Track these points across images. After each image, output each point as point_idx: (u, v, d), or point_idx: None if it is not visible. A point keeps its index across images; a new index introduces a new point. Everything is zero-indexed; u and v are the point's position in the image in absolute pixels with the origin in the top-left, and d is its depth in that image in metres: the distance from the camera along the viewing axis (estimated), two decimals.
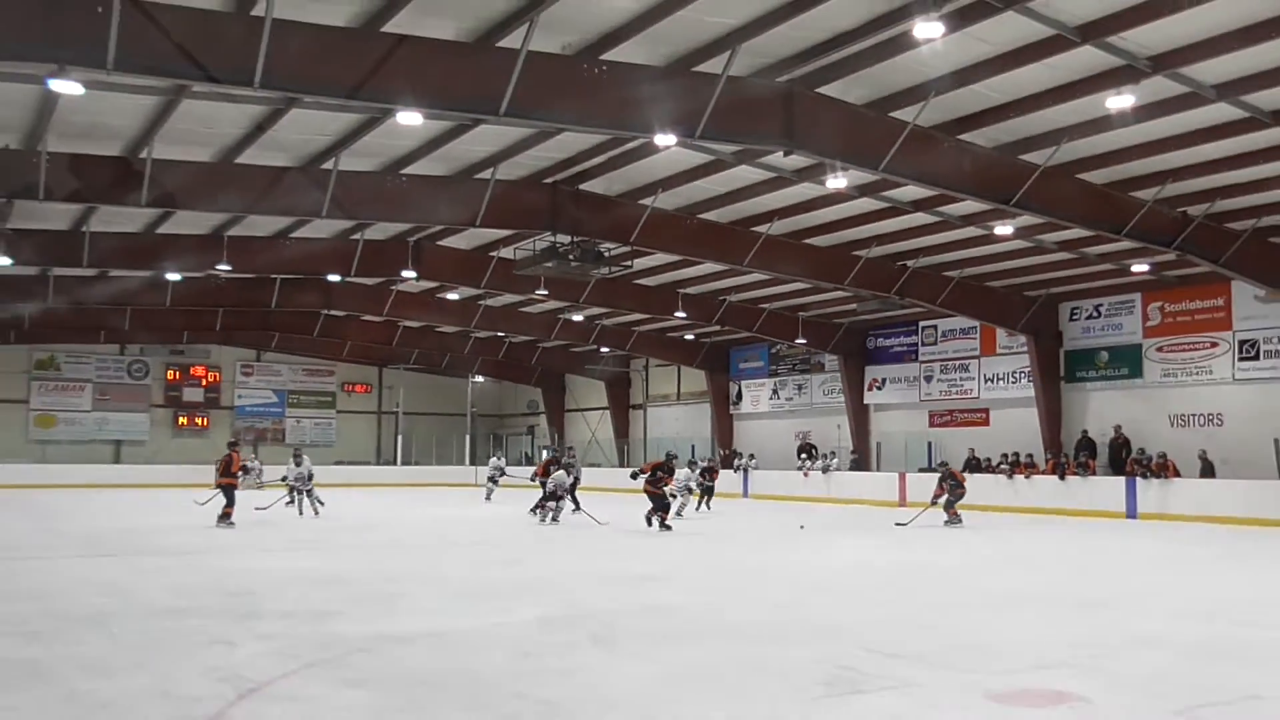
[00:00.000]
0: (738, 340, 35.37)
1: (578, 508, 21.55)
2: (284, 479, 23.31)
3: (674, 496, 20.51)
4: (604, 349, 37.93)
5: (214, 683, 6.34)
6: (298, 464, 22.44)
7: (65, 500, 23.80)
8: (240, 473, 19.68)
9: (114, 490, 32.83)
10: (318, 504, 21.77)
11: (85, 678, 6.49)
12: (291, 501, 22.61)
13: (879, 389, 31.62)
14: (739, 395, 36.88)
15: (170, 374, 42.89)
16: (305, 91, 12.03)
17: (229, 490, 18.32)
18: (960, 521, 19.83)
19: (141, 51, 10.75)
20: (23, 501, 25.60)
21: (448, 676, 6.56)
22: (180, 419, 42.94)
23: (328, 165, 17.46)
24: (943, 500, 20.10)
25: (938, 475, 21.01)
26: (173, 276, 27.16)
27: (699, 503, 24.20)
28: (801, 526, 19.51)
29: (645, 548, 15.39)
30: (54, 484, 33.66)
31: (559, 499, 20.05)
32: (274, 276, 28.32)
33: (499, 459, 31.78)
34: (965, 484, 20.60)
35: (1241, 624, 8.70)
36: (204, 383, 43.62)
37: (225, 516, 18.01)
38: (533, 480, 22.80)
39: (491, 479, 30.03)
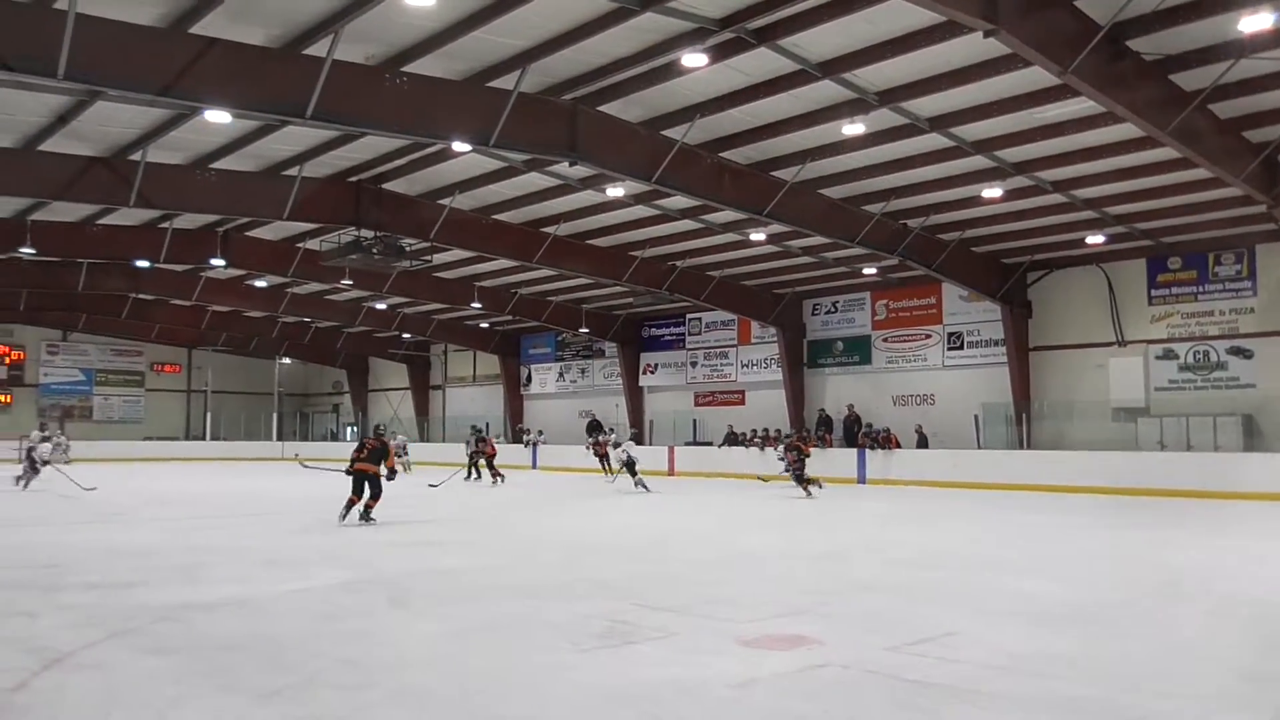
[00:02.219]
0: (528, 329, 35.24)
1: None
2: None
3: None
4: (405, 335, 36.99)
5: (17, 654, 5.85)
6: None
7: None
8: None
9: None
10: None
11: None
12: None
13: (652, 373, 32.22)
14: (529, 378, 36.79)
15: None
16: (112, 86, 11.16)
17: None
18: (818, 488, 18.57)
19: None
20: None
21: (251, 641, 6.27)
22: None
23: (135, 157, 16.24)
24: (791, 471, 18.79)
25: (783, 446, 20.13)
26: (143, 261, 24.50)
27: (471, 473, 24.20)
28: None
29: (439, 517, 15.17)
30: None
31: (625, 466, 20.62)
32: (81, 261, 26.09)
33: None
34: (807, 453, 19.05)
35: (942, 569, 9.38)
36: (6, 360, 39.82)
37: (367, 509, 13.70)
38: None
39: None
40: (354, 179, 18.53)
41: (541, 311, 30.37)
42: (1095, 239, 20.55)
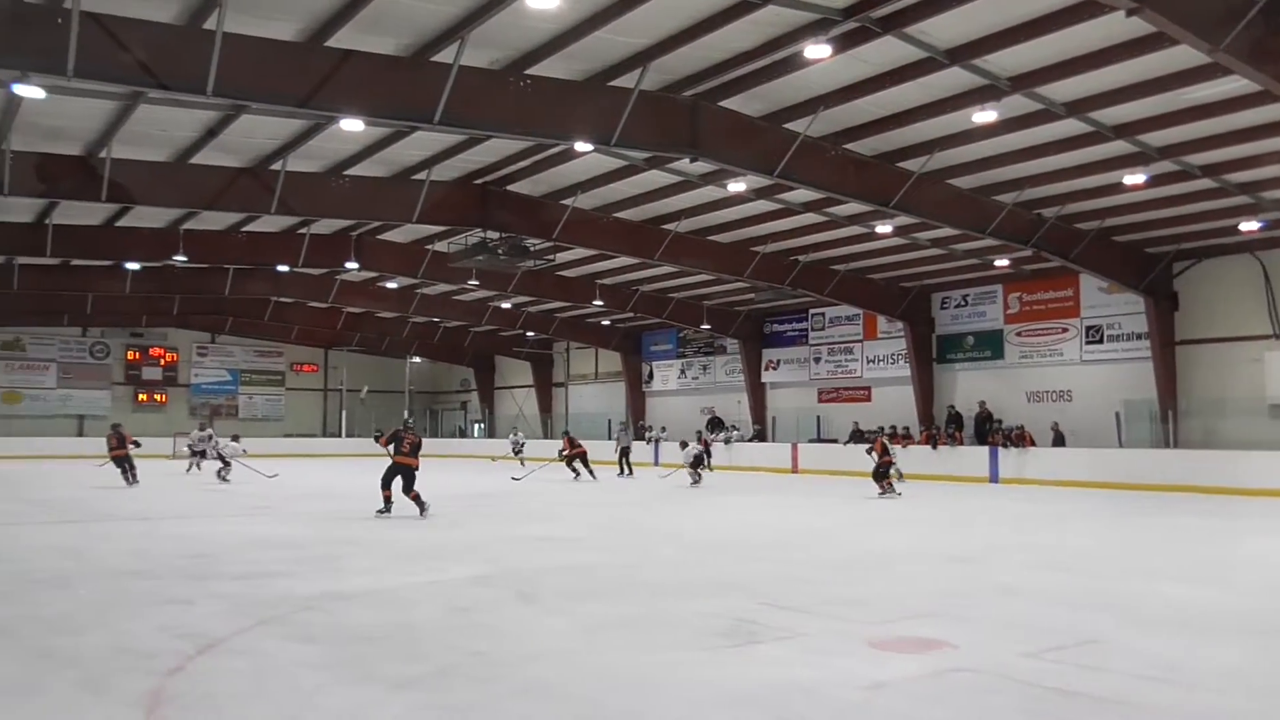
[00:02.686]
0: (649, 325, 35.44)
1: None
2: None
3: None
4: (529, 333, 37.69)
5: (173, 639, 6.20)
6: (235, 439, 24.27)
7: (29, 471, 22.90)
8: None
9: (76, 461, 31.74)
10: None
11: (51, 635, 6.29)
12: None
13: (774, 369, 31.97)
14: (650, 374, 36.99)
15: (130, 354, 41.55)
16: (256, 99, 11.74)
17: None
18: (892, 492, 18.40)
19: (100, 60, 10.40)
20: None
21: (387, 631, 6.49)
22: (140, 395, 41.64)
23: (276, 166, 17.03)
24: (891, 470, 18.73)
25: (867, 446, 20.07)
26: (132, 266, 26.33)
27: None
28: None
29: (569, 513, 15.40)
30: (18, 455, 32.46)
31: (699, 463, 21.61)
32: (227, 266, 27.59)
33: (516, 434, 31.75)
34: (888, 454, 18.78)
35: (1086, 575, 9.00)
36: (162, 362, 42.36)
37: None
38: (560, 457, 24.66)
39: (518, 451, 30.21)
40: (480, 181, 18.98)
41: (663, 308, 30.49)
42: (1249, 226, 19.36)
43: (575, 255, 24.55)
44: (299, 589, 7.95)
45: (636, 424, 35.44)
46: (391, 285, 30.45)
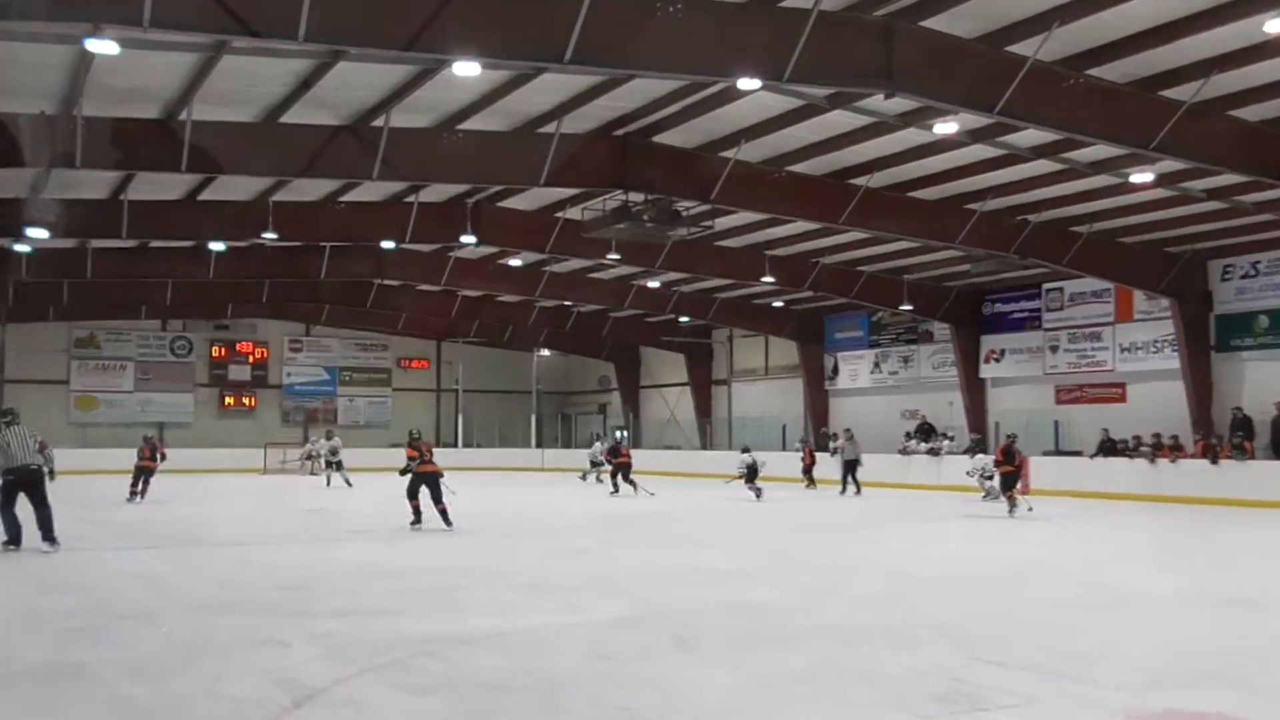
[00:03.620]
0: (833, 307, 35.08)
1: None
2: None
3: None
4: (683, 318, 37.87)
5: (268, 686, 6.52)
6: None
7: (107, 486, 24.53)
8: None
9: (158, 476, 33.79)
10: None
11: (130, 680, 6.72)
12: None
13: (996, 361, 31.16)
14: (835, 369, 36.62)
15: (215, 351, 43.99)
16: (354, 44, 12.20)
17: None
18: (1015, 506, 19.49)
19: (178, 6, 11.00)
20: (63, 487, 26.36)
21: (519, 681, 6.66)
22: (226, 399, 44.01)
23: (378, 123, 17.67)
24: (994, 483, 20.75)
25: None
26: (216, 247, 27.82)
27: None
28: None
29: (726, 538, 15.44)
30: (95, 469, 34.61)
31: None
32: (323, 244, 28.83)
33: (603, 442, 32.65)
34: (1015, 465, 20.08)
35: None
36: (250, 360, 44.64)
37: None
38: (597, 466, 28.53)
39: (595, 461, 31.23)
40: (620, 133, 19.17)
41: (850, 285, 30.16)
42: None
43: (739, 220, 24.52)
44: (411, 629, 8.25)
45: (818, 430, 35.18)
46: (515, 263, 31.17)
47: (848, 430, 27.95)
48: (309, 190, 23.09)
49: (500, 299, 38.11)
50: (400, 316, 41.91)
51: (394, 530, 16.14)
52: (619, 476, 26.05)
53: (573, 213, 24.10)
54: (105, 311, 39.05)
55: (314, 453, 29.52)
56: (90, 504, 21.57)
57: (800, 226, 24.80)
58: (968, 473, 23.79)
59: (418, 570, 11.64)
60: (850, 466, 26.48)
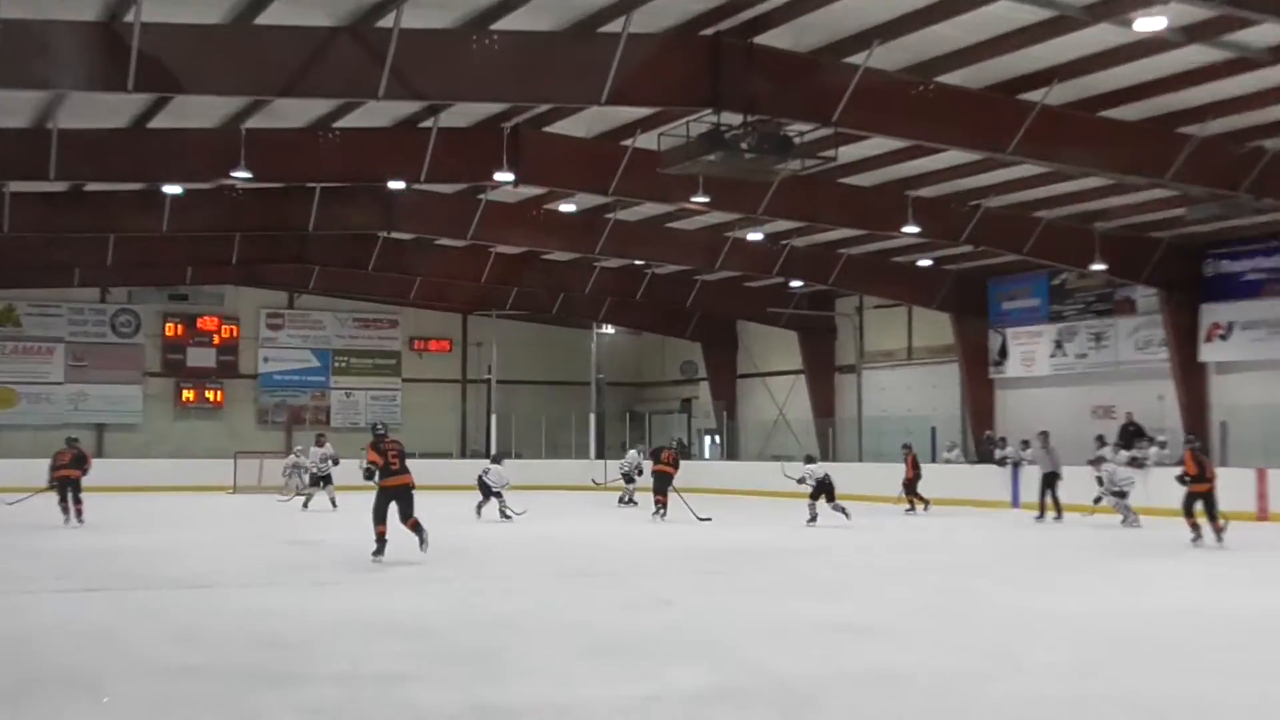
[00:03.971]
0: (1000, 267, 34.79)
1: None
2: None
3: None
4: (796, 283, 37.82)
5: None
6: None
7: (34, 509, 24.91)
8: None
9: (99, 495, 34.16)
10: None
11: None
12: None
13: (1222, 338, 30.74)
14: (1003, 350, 36.30)
15: (170, 328, 44.89)
16: None
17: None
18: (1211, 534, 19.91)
19: None
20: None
21: None
22: (184, 393, 44.97)
23: (385, 23, 17.78)
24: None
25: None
26: (171, 190, 28.24)
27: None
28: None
29: (846, 582, 15.38)
30: (16, 486, 35.09)
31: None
32: (312, 186, 29.17)
33: (639, 452, 32.43)
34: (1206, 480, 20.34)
35: None
36: (216, 340, 45.50)
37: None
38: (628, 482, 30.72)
39: (627, 476, 31.38)
40: (709, 32, 19.17)
41: (1022, 238, 29.90)
42: None
43: (871, 149, 24.54)
44: (431, 701, 8.29)
45: (981, 435, 34.89)
46: (568, 208, 31.27)
47: (1043, 434, 27.72)
48: (293, 114, 23.34)
49: (547, 257, 38.34)
50: (413, 282, 42.31)
51: (409, 568, 16.28)
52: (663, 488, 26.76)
53: (645, 141, 24.10)
54: (26, 277, 39.71)
55: (301, 465, 29.79)
56: (9, 530, 21.98)
57: (954, 157, 24.65)
58: (1097, 498, 24.32)
59: (440, 623, 11.71)
60: (1049, 481, 26.69)
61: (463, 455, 46.17)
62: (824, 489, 24.47)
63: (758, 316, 42.50)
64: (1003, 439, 33.46)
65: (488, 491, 26.48)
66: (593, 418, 44.75)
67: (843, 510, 24.08)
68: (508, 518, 25.43)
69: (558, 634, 11.13)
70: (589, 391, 45.47)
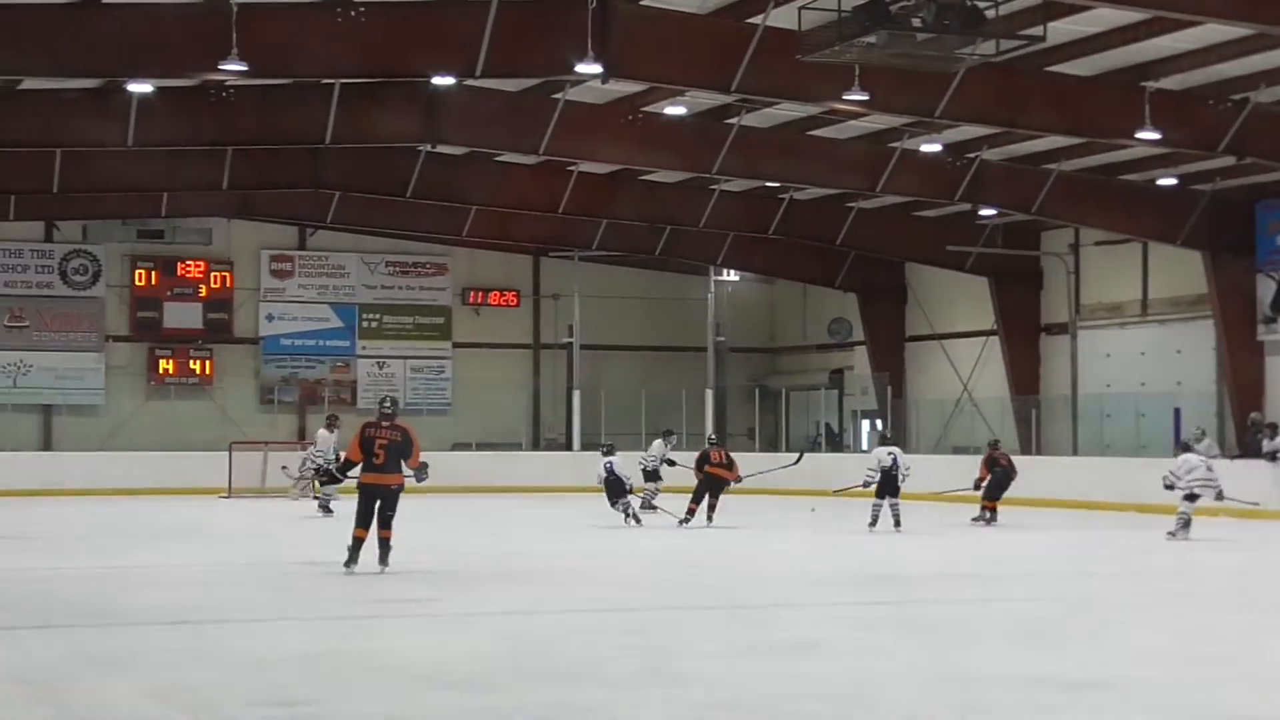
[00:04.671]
0: (1273, 186, 34.33)
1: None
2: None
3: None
4: (986, 211, 37.55)
5: None
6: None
7: None
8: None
9: (48, 500, 34.69)
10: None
11: None
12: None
13: None
14: (1277, 303, 35.84)
15: (140, 276, 45.29)
16: None
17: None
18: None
19: None
20: None
21: None
22: (161, 363, 45.28)
23: None
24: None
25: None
26: (139, 89, 28.38)
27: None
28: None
29: (1057, 621, 15.21)
30: None
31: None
32: (328, 83, 29.30)
33: (665, 441, 33.12)
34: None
35: None
36: (202, 291, 45.81)
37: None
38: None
39: (650, 473, 32.15)
40: None
41: None
42: None
43: (1090, 23, 24.52)
44: None
45: (1245, 419, 34.44)
46: (675, 110, 31.14)
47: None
48: None
49: (648, 178, 38.39)
50: (467, 213, 42.34)
51: (466, 595, 16.33)
52: (704, 496, 27.78)
53: (781, 17, 24.03)
54: None
55: (320, 460, 29.98)
56: None
57: (1209, 33, 24.38)
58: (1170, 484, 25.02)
59: (504, 673, 11.72)
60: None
61: (535, 445, 46.33)
62: (890, 482, 25.96)
63: (935, 258, 42.13)
64: (1274, 425, 33.07)
65: (621, 488, 27.51)
66: (710, 395, 44.79)
67: (894, 514, 25.84)
68: (634, 518, 27.25)
69: (661, 688, 11.08)
70: (704, 360, 45.54)
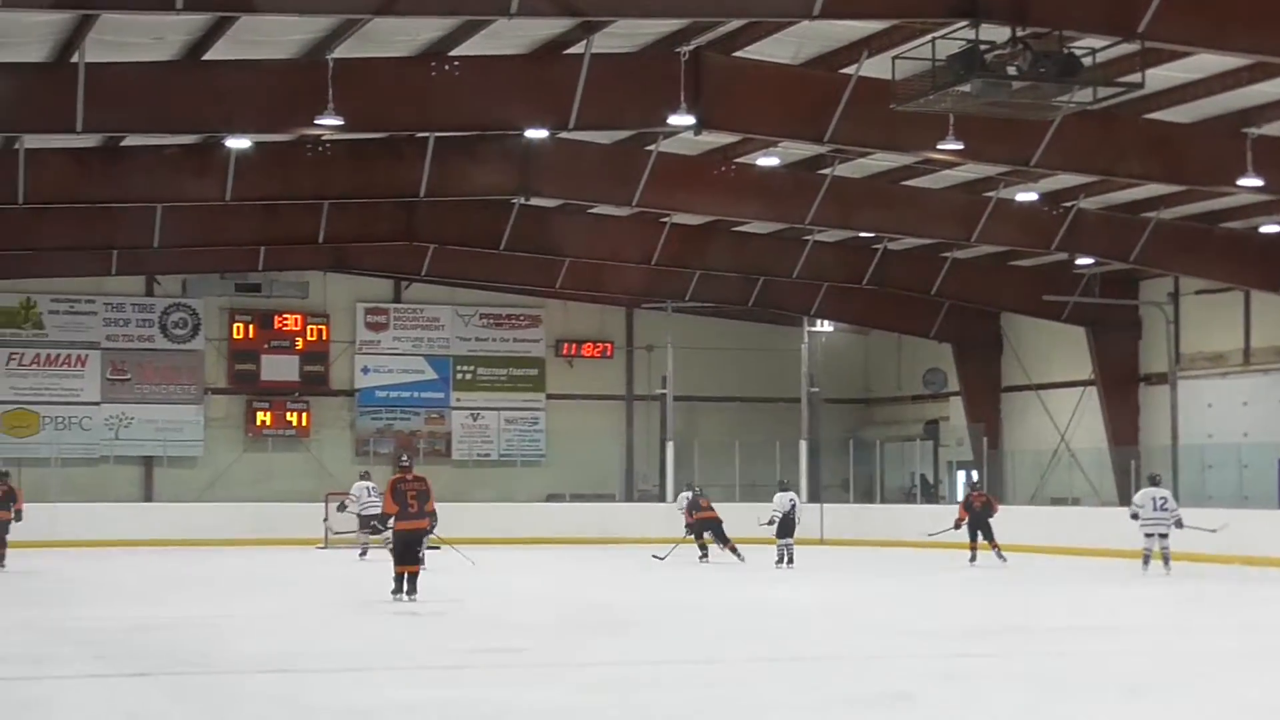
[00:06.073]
0: None
1: None
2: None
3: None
4: (1084, 260, 37.30)
5: None
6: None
7: (60, 568, 25.40)
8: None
9: (145, 551, 34.87)
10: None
11: None
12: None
13: None
14: None
15: (238, 329, 45.46)
16: None
17: None
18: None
19: None
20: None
21: None
22: (258, 415, 45.48)
23: None
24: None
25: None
26: (237, 144, 28.61)
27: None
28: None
29: (1161, 673, 15.03)
30: (38, 541, 35.93)
31: None
32: (423, 136, 29.43)
33: (693, 489, 34.61)
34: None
35: None
36: (299, 344, 46.00)
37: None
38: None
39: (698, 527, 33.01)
40: None
41: None
42: None
43: (1189, 70, 24.26)
44: None
45: None
46: (768, 162, 31.07)
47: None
48: (394, 40, 23.62)
49: (740, 229, 38.39)
50: (561, 265, 42.36)
51: (556, 643, 16.30)
52: (705, 534, 32.00)
53: (873, 67, 23.97)
54: (49, 263, 40.47)
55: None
56: (22, 598, 22.43)
57: None
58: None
59: None
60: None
61: (628, 497, 46.23)
62: (785, 524, 29.11)
63: (1031, 307, 41.82)
64: None
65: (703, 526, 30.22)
66: (803, 446, 44.54)
67: (787, 553, 29.46)
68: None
69: None
70: (798, 411, 45.33)
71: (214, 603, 22.50)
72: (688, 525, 32.58)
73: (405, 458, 21.98)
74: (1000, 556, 30.52)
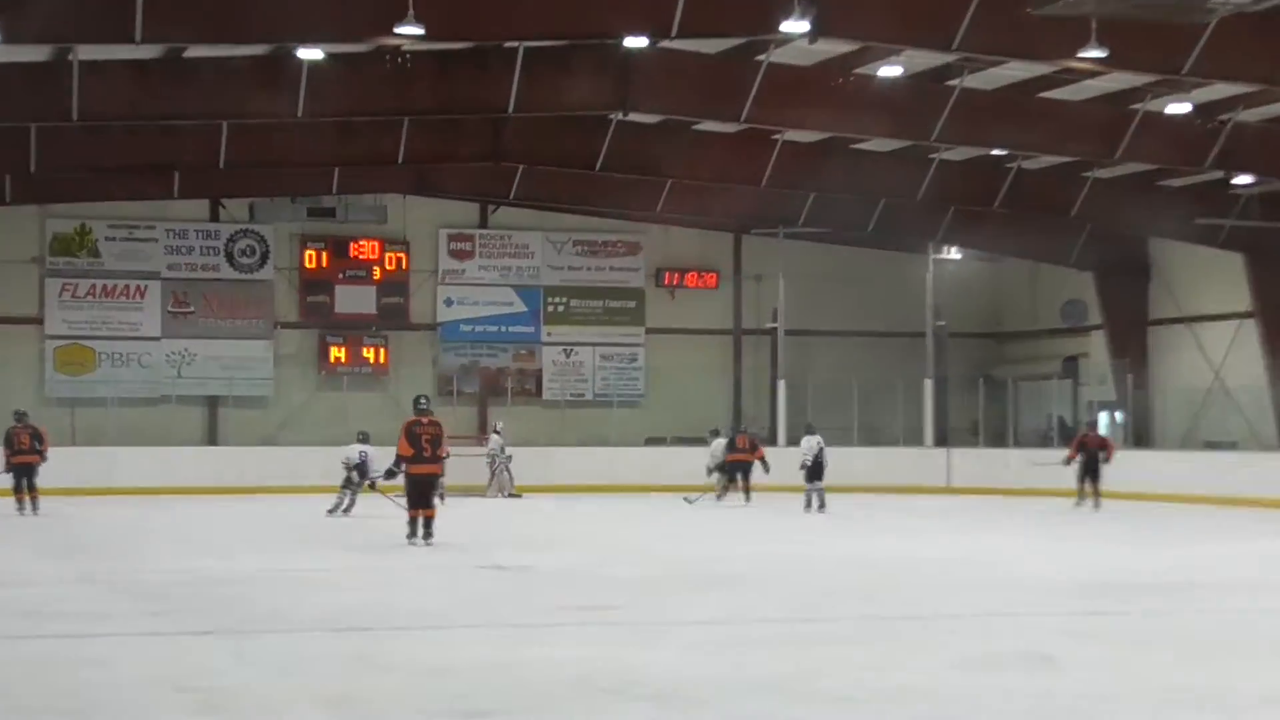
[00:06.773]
0: None
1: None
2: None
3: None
4: (1242, 179, 37.11)
5: None
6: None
7: (119, 516, 25.60)
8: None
9: (213, 499, 35.57)
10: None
11: None
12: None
13: None
14: None
15: (310, 257, 45.86)
16: None
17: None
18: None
19: None
20: (39, 517, 28.43)
21: None
22: (332, 350, 45.86)
23: None
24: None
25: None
26: (309, 55, 28.75)
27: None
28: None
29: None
30: (95, 488, 36.25)
31: None
32: (511, 46, 29.54)
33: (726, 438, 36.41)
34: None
35: None
36: (376, 274, 46.28)
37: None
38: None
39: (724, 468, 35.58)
40: None
41: None
42: None
43: None
44: None
45: None
46: (890, 73, 31.03)
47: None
48: None
49: (859, 147, 38.31)
50: (663, 187, 42.54)
51: (652, 600, 16.37)
52: (735, 477, 33.88)
53: None
54: (106, 186, 40.95)
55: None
56: (92, 544, 22.70)
57: None
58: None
59: (705, 686, 11.69)
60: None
61: (738, 434, 46.13)
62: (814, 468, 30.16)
63: (1182, 232, 41.59)
64: None
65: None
66: (928, 385, 44.69)
67: (817, 499, 30.81)
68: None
69: (879, 704, 11.02)
70: (922, 347, 45.40)
71: (285, 556, 22.76)
72: (721, 466, 34.80)
73: (423, 400, 23.48)
74: (1097, 506, 32.58)
